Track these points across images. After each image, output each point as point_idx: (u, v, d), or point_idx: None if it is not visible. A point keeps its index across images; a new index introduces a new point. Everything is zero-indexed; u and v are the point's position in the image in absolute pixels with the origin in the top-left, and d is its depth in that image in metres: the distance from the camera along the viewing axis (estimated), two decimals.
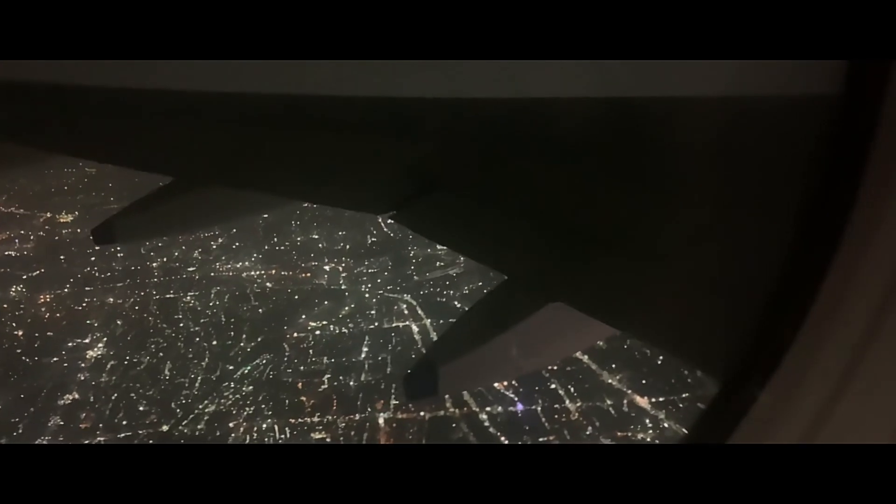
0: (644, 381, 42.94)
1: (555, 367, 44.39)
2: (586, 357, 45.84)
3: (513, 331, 2.65)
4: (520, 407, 40.08)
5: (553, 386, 42.41)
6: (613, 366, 44.50)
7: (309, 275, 60.17)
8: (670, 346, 2.10)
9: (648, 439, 37.88)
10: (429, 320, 50.86)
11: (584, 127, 2.60)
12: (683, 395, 41.62)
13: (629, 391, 42.07)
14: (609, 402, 40.92)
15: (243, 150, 3.38)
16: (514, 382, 43.03)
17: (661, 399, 41.34)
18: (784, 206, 1.78)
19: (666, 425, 39.64)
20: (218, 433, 36.61)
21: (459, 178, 2.92)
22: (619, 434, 38.34)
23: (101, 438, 35.37)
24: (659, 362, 45.13)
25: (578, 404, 40.49)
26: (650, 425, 39.61)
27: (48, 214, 76.39)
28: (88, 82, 3.85)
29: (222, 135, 3.53)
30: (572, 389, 41.96)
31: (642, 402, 41.02)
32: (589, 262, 2.31)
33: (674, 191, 2.27)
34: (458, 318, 3.20)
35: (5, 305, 51.66)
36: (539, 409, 40.31)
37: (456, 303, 54.01)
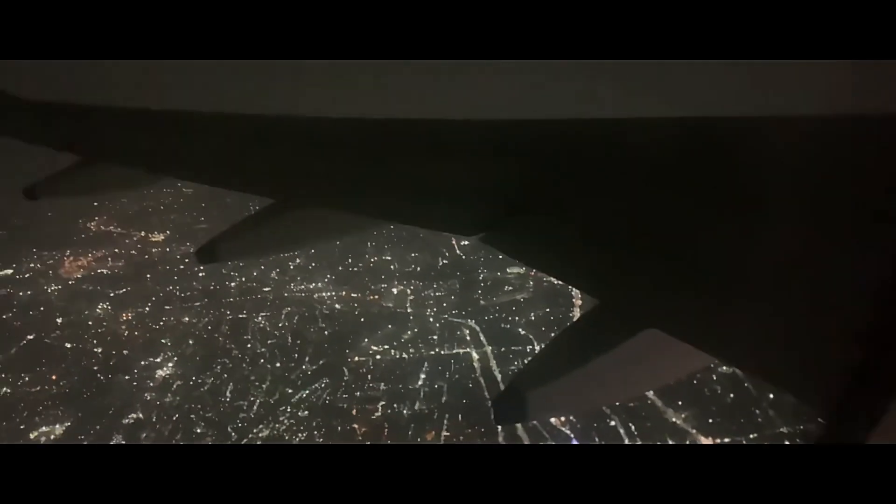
0: (711, 421, 40.49)
1: (618, 404, 42.53)
2: (652, 393, 43.70)
3: (605, 357, 2.51)
4: (574, 443, 38.43)
5: (613, 423, 40.59)
6: (680, 403, 42.20)
7: (377, 297, 60.31)
8: (769, 375, 2.00)
9: None
10: (490, 348, 49.89)
11: (678, 148, 2.69)
12: (751, 436, 38.96)
13: (693, 430, 39.74)
14: (670, 442, 38.69)
15: (338, 173, 3.61)
16: (571, 418, 41.47)
17: (726, 440, 38.79)
18: (884, 229, 1.91)
19: None
20: None
21: (550, 199, 2.91)
22: None
23: None
24: (729, 401, 42.59)
25: (637, 443, 38.45)
26: None
27: (142, 233, 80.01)
28: (197, 108, 4.51)
29: (319, 158, 3.79)
30: (633, 427, 40.05)
31: (706, 442, 38.57)
32: (685, 287, 2.26)
33: (772, 215, 2.28)
34: (550, 342, 2.97)
35: (90, 323, 53.98)
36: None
37: (520, 330, 52.85)
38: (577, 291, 57.77)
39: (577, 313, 55.05)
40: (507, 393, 2.52)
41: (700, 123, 2.74)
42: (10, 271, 67.71)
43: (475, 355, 48.61)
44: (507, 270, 65.60)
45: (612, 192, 2.78)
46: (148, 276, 66.63)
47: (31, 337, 50.69)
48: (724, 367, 44.36)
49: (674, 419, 40.39)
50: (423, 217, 3.32)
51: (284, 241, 4.17)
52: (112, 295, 61.03)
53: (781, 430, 38.93)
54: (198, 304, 59.20)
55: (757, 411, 40.89)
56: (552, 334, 43.88)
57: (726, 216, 2.39)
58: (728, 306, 2.13)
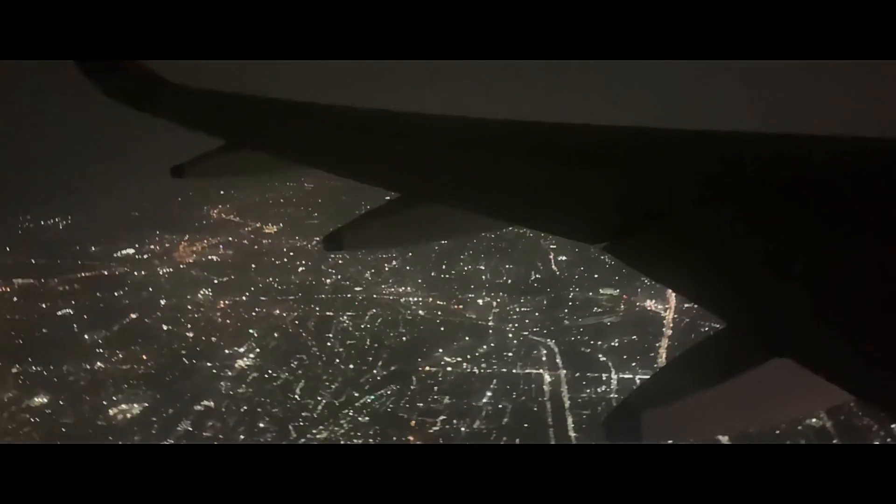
0: None
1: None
2: (727, 439, 40.74)
3: (729, 384, 2.35)
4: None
5: None
6: None
7: (461, 307, 59.84)
8: None
9: None
10: (564, 371, 48.29)
11: (821, 166, 2.63)
12: None
13: None
14: None
15: (466, 171, 3.70)
16: None
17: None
18: None
19: None
20: None
21: (680, 212, 2.80)
22: None
23: None
24: None
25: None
26: None
27: (257, 224, 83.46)
28: (334, 101, 4.85)
29: (448, 156, 3.92)
30: None
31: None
32: (823, 316, 2.12)
33: None
34: (671, 362, 2.84)
35: (189, 307, 56.66)
36: None
37: (600, 356, 50.86)
38: (668, 321, 54.89)
39: (664, 343, 52.32)
40: (622, 410, 2.41)
41: (854, 142, 2.62)
42: (132, 250, 72.30)
43: (547, 377, 47.16)
44: (600, 291, 63.52)
45: (750, 208, 2.66)
46: (253, 265, 69.27)
47: (134, 316, 53.75)
48: (815, 422, 40.71)
49: None
50: (550, 221, 3.30)
51: (408, 234, 4.24)
52: (216, 282, 63.83)
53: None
54: (292, 297, 60.88)
55: None
56: (633, 364, 41.99)
57: (868, 244, 2.27)
58: (868, 340, 1.99)
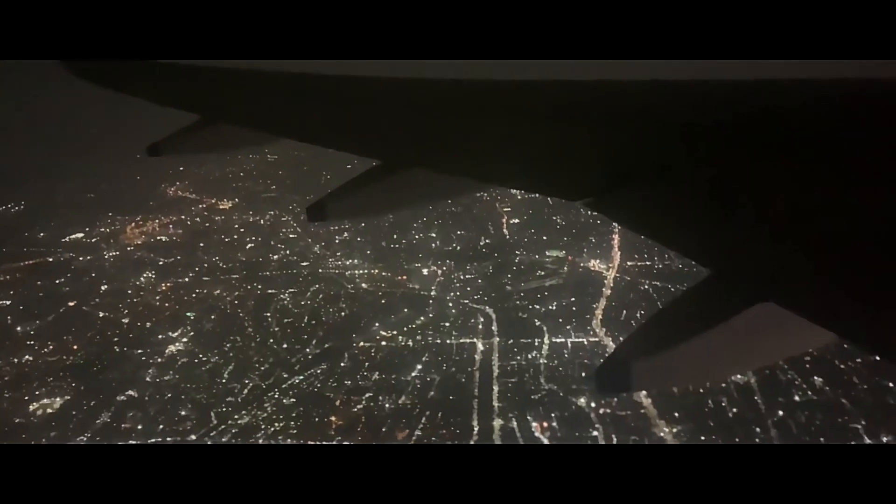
0: (703, 438, 36.84)
1: (607, 411, 39.55)
2: (649, 401, 40.40)
3: (715, 330, 2.33)
4: (565, 443, 35.87)
5: (595, 433, 37.59)
6: (676, 415, 38.67)
7: (405, 278, 59.12)
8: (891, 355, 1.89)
9: None
10: (497, 339, 47.68)
11: (803, 111, 2.62)
12: None
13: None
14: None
15: (447, 134, 3.61)
16: (554, 423, 38.84)
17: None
18: None
19: None
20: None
21: (665, 164, 2.76)
22: None
23: (132, 441, 36.63)
24: (731, 416, 38.75)
25: (627, 444, 35.41)
26: None
27: (213, 200, 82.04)
28: (304, 70, 4.71)
29: (428, 118, 3.80)
30: (614, 439, 36.87)
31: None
32: (806, 259, 2.18)
33: None
34: (657, 312, 2.63)
35: (130, 291, 55.82)
36: None
37: (536, 321, 50.33)
38: (609, 281, 54.15)
39: (602, 304, 51.73)
40: (611, 362, 2.41)
41: (828, 84, 2.63)
42: (80, 234, 71.21)
43: (480, 346, 46.61)
44: (546, 254, 62.69)
45: (731, 157, 2.66)
46: (201, 244, 68.27)
47: (72, 304, 52.92)
48: (741, 378, 40.41)
49: (662, 433, 36.90)
50: (533, 180, 3.26)
51: (391, 200, 4.14)
52: (161, 263, 62.96)
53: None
54: (235, 276, 60.02)
55: (757, 429, 36.87)
56: (567, 327, 41.42)
57: (852, 187, 2.29)
58: (851, 281, 2.01)
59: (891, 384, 38.52)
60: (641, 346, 2.46)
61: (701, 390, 40.46)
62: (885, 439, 35.09)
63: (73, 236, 70.79)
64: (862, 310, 1.89)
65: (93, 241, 69.25)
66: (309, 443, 36.52)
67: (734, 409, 38.56)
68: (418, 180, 3.78)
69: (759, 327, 2.29)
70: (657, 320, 2.71)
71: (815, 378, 39.93)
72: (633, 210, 2.80)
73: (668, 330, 2.46)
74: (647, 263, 58.15)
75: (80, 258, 64.21)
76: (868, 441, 35.13)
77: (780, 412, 37.90)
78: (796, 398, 38.77)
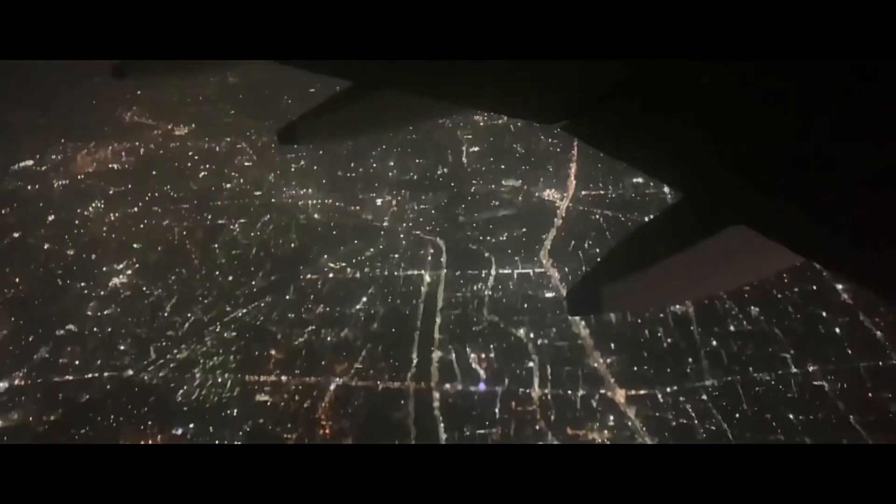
0: (635, 369, 37.36)
1: (545, 342, 39.88)
2: (588, 332, 40.80)
3: (687, 253, 2.41)
4: (481, 387, 36.29)
5: (530, 364, 37.96)
6: (612, 346, 39.10)
7: (358, 208, 58.47)
8: (856, 277, 1.97)
9: (601, 440, 32.89)
10: (445, 271, 47.49)
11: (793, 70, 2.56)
12: (669, 390, 35.78)
13: (612, 380, 36.75)
14: (581, 392, 35.92)
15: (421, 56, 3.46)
16: (492, 355, 39.16)
17: (641, 393, 35.72)
18: None
19: (631, 424, 34.25)
20: (172, 385, 36.47)
21: (639, 87, 2.72)
22: (570, 431, 33.54)
23: (69, 377, 36.55)
24: (664, 346, 39.27)
25: (546, 391, 35.91)
26: (612, 423, 34.31)
27: (169, 126, 79.82)
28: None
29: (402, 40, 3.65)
30: (549, 372, 37.29)
31: (619, 395, 35.62)
32: (776, 183, 2.19)
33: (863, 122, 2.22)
34: (630, 235, 2.83)
35: (76, 222, 54.83)
36: (500, 392, 36.19)
37: (485, 252, 50.05)
38: (561, 211, 53.84)
39: (551, 235, 51.64)
40: (583, 284, 2.43)
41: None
42: (30, 162, 69.38)
43: (427, 278, 46.52)
44: (502, 183, 62.05)
45: (705, 82, 2.61)
46: (153, 172, 66.71)
47: (16, 235, 51.97)
48: (679, 308, 40.79)
49: (597, 364, 37.38)
50: (506, 103, 3.21)
51: (364, 123, 3.98)
52: (111, 192, 61.67)
53: (706, 382, 35.66)
54: (185, 206, 59.02)
55: (690, 359, 37.48)
56: (515, 258, 41.49)
57: (818, 119, 2.26)
58: (820, 206, 2.00)
59: (824, 313, 39.11)
60: (615, 267, 2.50)
61: (639, 320, 40.86)
62: (810, 368, 35.79)
63: (22, 164, 68.92)
64: (833, 233, 1.91)
65: (42, 169, 67.49)
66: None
67: (669, 339, 39.05)
68: (391, 103, 3.68)
69: (730, 249, 2.33)
70: (631, 242, 2.77)
71: (752, 308, 40.39)
72: (607, 133, 2.75)
73: (641, 252, 2.51)
74: (601, 192, 57.83)
75: (28, 187, 62.76)
76: (794, 370, 35.84)
77: (714, 342, 38.42)
78: (731, 328, 39.31)
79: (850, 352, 36.56)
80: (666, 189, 55.69)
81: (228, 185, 63.73)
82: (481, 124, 73.67)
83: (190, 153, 71.89)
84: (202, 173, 66.65)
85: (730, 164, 2.33)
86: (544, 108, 2.98)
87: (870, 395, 34.18)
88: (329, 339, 40.41)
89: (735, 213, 2.22)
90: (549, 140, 69.13)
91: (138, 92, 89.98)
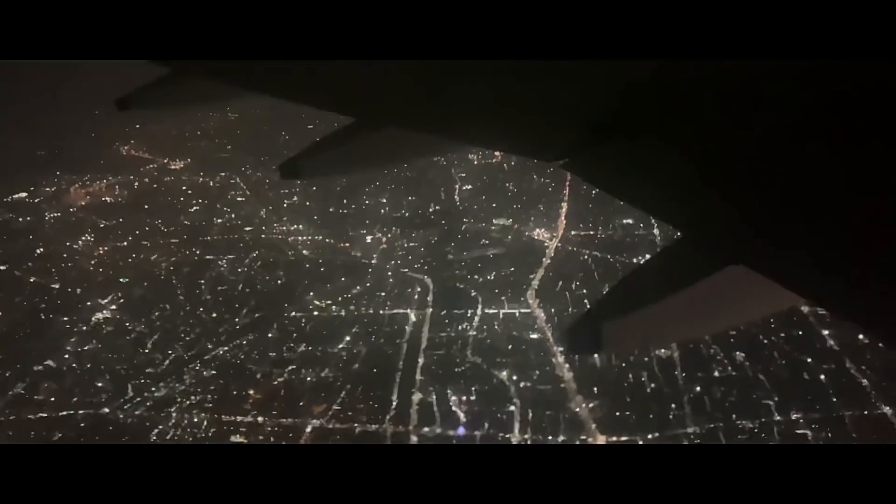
0: (617, 414, 36.79)
1: (527, 385, 39.37)
2: (571, 375, 40.35)
3: (687, 291, 2.38)
4: (460, 431, 35.71)
5: (511, 408, 37.41)
6: (595, 390, 38.59)
7: (348, 245, 58.38)
8: (859, 318, 1.94)
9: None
10: (431, 310, 47.10)
11: (781, 87, 2.65)
12: (650, 437, 35.23)
13: (593, 426, 36.20)
14: (561, 438, 35.35)
15: (422, 92, 3.53)
16: (472, 397, 38.64)
17: (623, 439, 35.12)
18: None
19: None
20: (147, 423, 35.97)
21: (638, 123, 2.80)
22: None
23: (43, 414, 36.07)
24: (648, 391, 38.74)
25: (526, 436, 35.32)
26: None
27: (165, 160, 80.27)
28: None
29: (404, 76, 3.63)
30: (530, 416, 36.74)
31: (599, 441, 35.01)
32: (775, 222, 2.19)
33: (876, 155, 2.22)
34: (631, 273, 2.79)
35: (65, 255, 54.79)
36: (479, 437, 35.61)
37: (472, 291, 49.72)
38: (550, 250, 53.65)
39: (539, 274, 51.43)
40: (584, 322, 2.37)
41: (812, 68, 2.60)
42: (24, 194, 69.63)
43: (413, 317, 46.14)
44: (493, 222, 62.08)
45: (704, 119, 2.65)
46: (146, 206, 66.81)
47: (3, 268, 51.51)
48: (664, 352, 40.40)
49: (578, 409, 36.81)
50: (506, 139, 3.28)
51: (364, 159, 4.04)
52: (102, 226, 61.69)
53: (688, 430, 35.09)
54: (175, 241, 58.95)
55: (672, 405, 36.91)
56: (502, 298, 41.16)
57: (822, 153, 2.26)
58: (821, 245, 1.99)
59: (809, 359, 38.67)
60: (615, 306, 2.45)
61: (623, 364, 40.46)
62: (794, 416, 35.23)
63: (15, 196, 69.13)
64: (833, 273, 1.89)
65: (35, 201, 67.63)
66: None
67: (653, 385, 38.54)
68: (392, 139, 3.68)
69: (729, 289, 2.30)
70: (630, 281, 2.75)
71: (737, 353, 39.96)
72: (605, 170, 2.78)
73: (640, 291, 2.48)
74: (591, 232, 57.77)
75: (20, 219, 62.82)
76: (778, 417, 35.30)
77: (698, 388, 37.92)
78: (716, 373, 38.83)
79: (835, 400, 35.98)
80: (656, 231, 55.63)
81: (219, 220, 63.80)
82: (475, 162, 74.10)
83: (184, 187, 72.18)
84: (194, 207, 66.81)
85: (730, 202, 2.33)
86: (543, 145, 3.01)
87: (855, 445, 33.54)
88: (309, 378, 39.96)
89: (734, 253, 2.21)
90: (542, 180, 69.39)
91: (137, 126, 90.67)
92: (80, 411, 36.82)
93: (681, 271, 2.41)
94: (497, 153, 75.92)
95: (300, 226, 62.55)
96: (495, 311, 46.82)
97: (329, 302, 48.81)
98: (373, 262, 55.46)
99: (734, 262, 2.20)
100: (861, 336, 38.49)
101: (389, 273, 53.36)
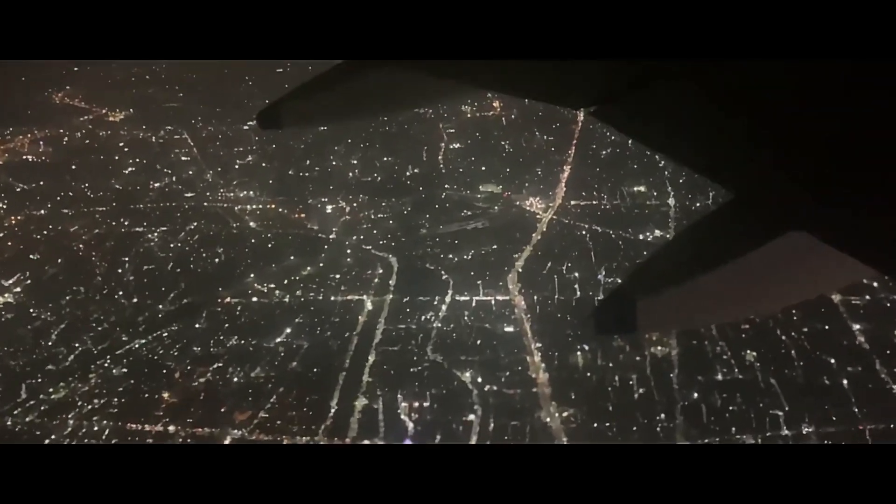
0: (595, 426, 36.31)
1: (493, 389, 38.89)
2: (547, 377, 39.92)
3: (737, 263, 2.33)
4: (405, 444, 35.39)
5: (471, 417, 37.01)
6: (572, 396, 38.10)
7: (303, 216, 57.70)
8: None
9: None
10: (391, 296, 46.50)
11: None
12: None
13: (565, 439, 35.78)
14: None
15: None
16: (426, 403, 38.26)
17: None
18: None
19: None
20: (38, 432, 35.86)
21: (682, 66, 2.76)
22: None
23: None
24: (635, 398, 38.23)
25: (487, 443, 34.95)
26: None
27: (103, 110, 79.84)
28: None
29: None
30: (491, 424, 36.29)
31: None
32: (847, 182, 2.16)
33: None
34: (671, 240, 2.74)
35: None
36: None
37: (443, 274, 49.03)
38: (542, 225, 52.80)
39: (525, 254, 50.70)
40: (615, 300, 2.33)
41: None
42: None
43: (369, 305, 45.73)
44: (480, 189, 61.37)
45: (756, 70, 2.67)
46: (73, 167, 66.59)
47: None
48: (660, 350, 40.05)
49: (548, 419, 36.36)
50: (528, 88, 3.36)
51: (358, 105, 4.00)
52: (18, 190, 61.45)
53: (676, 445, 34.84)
54: (102, 208, 58.89)
55: (662, 416, 36.42)
56: (478, 282, 40.79)
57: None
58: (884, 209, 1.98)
59: (831, 360, 37.92)
60: (650, 280, 2.37)
61: (611, 363, 40.01)
62: (805, 430, 34.58)
63: None
64: None
65: None
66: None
67: (641, 389, 38.00)
68: (392, 81, 3.61)
69: (787, 260, 2.25)
70: (669, 251, 2.68)
71: (748, 352, 39.28)
72: (641, 117, 2.72)
73: (681, 263, 2.40)
74: (593, 202, 56.93)
75: None
76: (785, 432, 34.73)
77: (695, 394, 37.31)
78: (718, 376, 38.22)
79: (856, 410, 35.19)
80: (671, 200, 54.56)
81: (157, 185, 63.50)
82: (468, 115, 73.12)
83: (120, 144, 71.80)
84: (129, 169, 66.57)
85: (785, 160, 2.31)
86: (570, 88, 2.99)
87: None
88: (236, 379, 39.70)
89: (794, 217, 2.18)
90: (545, 137, 68.34)
91: (75, 68, 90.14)
92: None
93: (730, 240, 2.35)
94: (496, 103, 74.77)
95: (250, 192, 62.05)
96: (467, 298, 46.25)
97: (272, 285, 48.48)
98: (330, 237, 55.01)
99: (796, 229, 2.16)
100: None
101: (348, 251, 52.90)
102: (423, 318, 44.57)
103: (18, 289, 47.69)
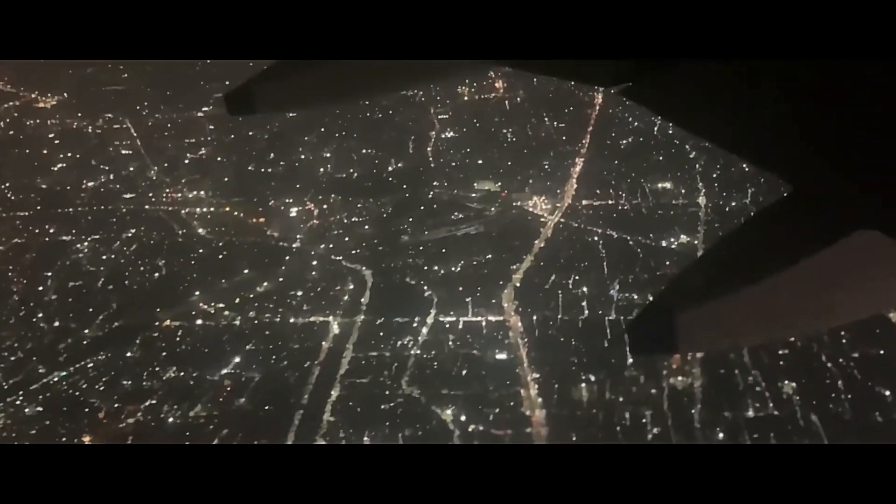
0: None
1: (478, 429, 38.66)
2: (543, 415, 39.73)
3: (795, 268, 2.31)
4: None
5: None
6: (574, 437, 37.77)
7: (262, 221, 57.50)
8: None
9: None
10: (362, 317, 46.27)
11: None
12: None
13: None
14: None
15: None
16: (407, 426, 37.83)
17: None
18: None
19: None
20: None
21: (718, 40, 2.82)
22: None
23: None
24: (650, 437, 37.92)
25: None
26: None
27: (33, 94, 79.87)
28: None
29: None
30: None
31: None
32: None
33: None
34: (717, 242, 2.68)
35: None
36: None
37: (425, 289, 48.88)
38: (546, 230, 52.63)
39: (525, 265, 50.49)
40: (652, 313, 2.34)
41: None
42: None
43: (335, 328, 45.48)
44: (475, 187, 61.18)
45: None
46: None
47: None
48: (681, 380, 40.05)
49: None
50: (552, 65, 3.37)
51: (339, 87, 4.13)
52: None
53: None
54: (23, 214, 58.80)
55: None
56: (466, 299, 40.82)
57: None
58: None
59: (886, 392, 37.51)
60: (694, 289, 2.38)
61: (621, 398, 39.79)
62: None
63: None
64: None
65: None
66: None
67: (655, 430, 37.63)
68: (369, 67, 3.75)
69: (857, 265, 2.25)
70: (716, 254, 2.72)
71: (786, 383, 38.92)
72: (668, 94, 2.85)
73: (731, 268, 2.40)
74: (609, 202, 56.59)
75: None
76: None
77: (720, 434, 36.96)
78: (749, 412, 37.83)
79: None
80: (701, 200, 54.24)
81: (91, 184, 63.40)
82: (465, 98, 72.85)
83: (51, 135, 71.73)
84: (59, 165, 66.41)
85: (842, 153, 2.33)
86: (598, 71, 3.07)
87: None
88: (171, 419, 39.45)
89: (863, 213, 2.19)
90: (555, 124, 67.98)
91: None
92: None
93: (788, 240, 2.34)
94: (498, 83, 74.58)
95: (201, 192, 61.89)
96: (453, 318, 45.96)
97: (220, 305, 48.29)
98: (293, 246, 54.83)
99: (865, 227, 2.16)
100: None
101: (314, 262, 52.72)
102: (398, 343, 44.32)
103: None
